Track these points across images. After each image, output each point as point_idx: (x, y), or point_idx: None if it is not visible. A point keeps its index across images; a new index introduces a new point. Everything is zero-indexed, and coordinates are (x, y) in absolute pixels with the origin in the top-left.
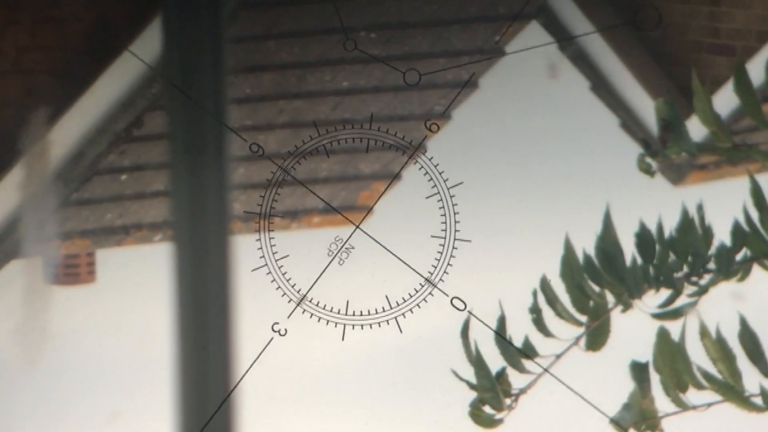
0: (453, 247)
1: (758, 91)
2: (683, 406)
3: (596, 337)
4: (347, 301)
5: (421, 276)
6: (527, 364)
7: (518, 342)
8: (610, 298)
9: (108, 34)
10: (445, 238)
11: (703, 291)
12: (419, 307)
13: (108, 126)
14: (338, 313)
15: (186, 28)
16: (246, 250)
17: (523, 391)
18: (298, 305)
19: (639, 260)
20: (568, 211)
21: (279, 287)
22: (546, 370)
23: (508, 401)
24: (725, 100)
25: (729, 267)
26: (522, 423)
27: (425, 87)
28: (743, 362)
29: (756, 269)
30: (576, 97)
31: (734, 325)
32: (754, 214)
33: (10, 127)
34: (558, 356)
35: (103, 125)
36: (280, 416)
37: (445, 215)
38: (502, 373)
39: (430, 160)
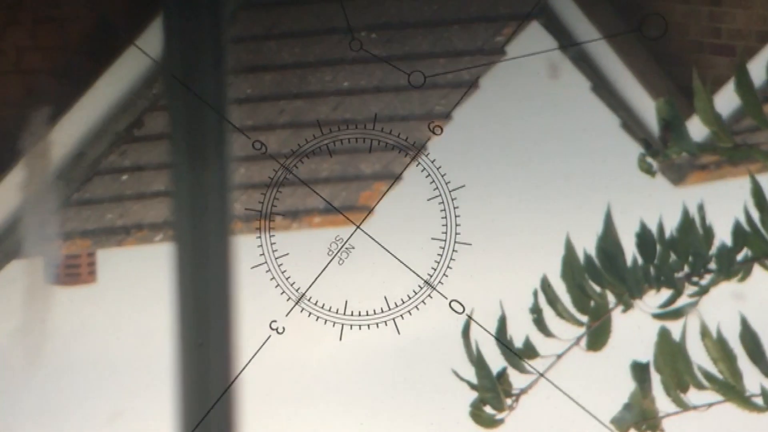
0: (453, 250)
1: (759, 91)
2: (684, 407)
3: (597, 337)
4: (346, 301)
5: (420, 278)
6: (528, 364)
7: (519, 342)
8: (611, 298)
9: (108, 34)
10: (445, 241)
11: (703, 291)
12: (417, 309)
13: (109, 126)
14: (336, 312)
15: (187, 28)
16: (247, 250)
17: (524, 391)
18: (296, 304)
19: (640, 260)
20: (569, 211)
21: (278, 285)
22: (542, 375)
23: (509, 401)
24: (726, 100)
25: (730, 267)
26: (523, 423)
27: (426, 87)
28: (744, 362)
29: (757, 269)
30: (577, 97)
31: (735, 325)
32: (755, 214)
33: (11, 127)
34: (559, 356)
35: (103, 125)
36: (277, 413)
37: (446, 218)
38: (503, 373)
39: (432, 162)
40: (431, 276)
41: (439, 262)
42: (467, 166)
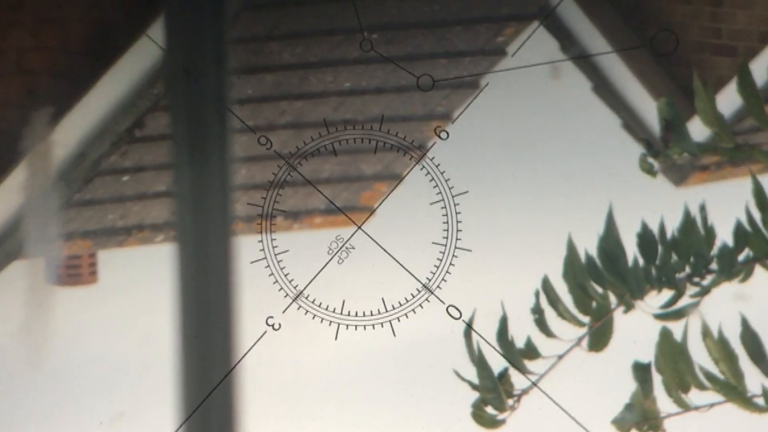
0: (453, 255)
1: (761, 91)
2: (685, 407)
3: (599, 337)
4: (343, 301)
5: (419, 281)
6: (530, 364)
7: (520, 342)
8: (613, 298)
9: (109, 35)
10: (446, 246)
11: (705, 291)
12: (414, 312)
13: (110, 127)
14: (333, 312)
15: (188, 29)
16: (247, 250)
17: (525, 391)
18: (293, 301)
19: (641, 261)
20: (570, 212)
21: (276, 281)
22: (534, 383)
23: (510, 402)
24: (727, 101)
25: (731, 267)
26: (523, 423)
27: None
28: (745, 363)
29: (758, 270)
30: (578, 97)
31: (736, 326)
32: (757, 215)
33: (12, 128)
34: (560, 357)
35: (105, 126)
36: (275, 411)
37: (447, 222)
38: (504, 374)
39: (437, 167)
40: (430, 280)
41: (438, 266)
42: (469, 165)
